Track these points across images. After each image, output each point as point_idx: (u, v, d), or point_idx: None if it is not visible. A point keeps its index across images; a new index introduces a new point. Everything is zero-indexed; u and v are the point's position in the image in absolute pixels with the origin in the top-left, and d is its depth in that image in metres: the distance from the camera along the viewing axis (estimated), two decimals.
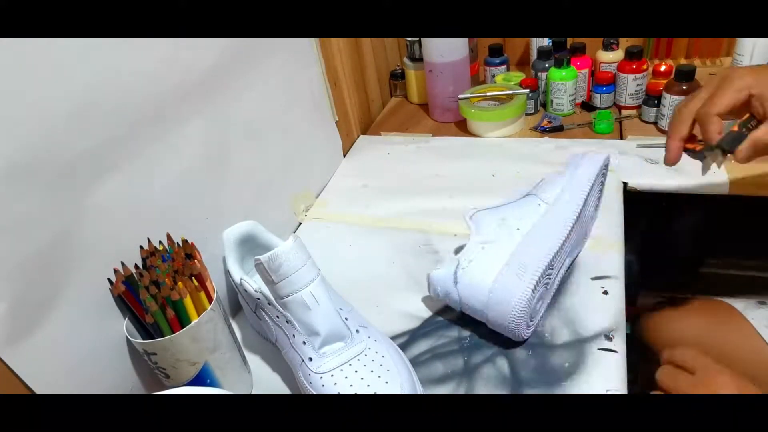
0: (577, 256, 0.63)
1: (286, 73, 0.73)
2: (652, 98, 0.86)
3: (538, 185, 0.62)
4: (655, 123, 0.87)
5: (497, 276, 0.52)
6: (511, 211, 0.59)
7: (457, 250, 0.63)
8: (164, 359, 0.46)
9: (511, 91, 0.92)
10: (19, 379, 0.40)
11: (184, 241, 0.51)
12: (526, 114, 0.96)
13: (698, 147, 0.52)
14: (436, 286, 0.56)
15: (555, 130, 0.91)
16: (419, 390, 0.49)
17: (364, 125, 1.01)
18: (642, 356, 0.68)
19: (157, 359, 0.46)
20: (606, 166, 0.64)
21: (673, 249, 1.14)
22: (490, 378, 0.52)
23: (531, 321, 0.53)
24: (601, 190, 0.65)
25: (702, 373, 0.42)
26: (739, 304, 0.61)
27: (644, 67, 0.89)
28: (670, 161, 0.52)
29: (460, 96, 0.93)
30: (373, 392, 0.46)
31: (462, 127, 0.97)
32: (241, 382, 0.54)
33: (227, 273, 0.59)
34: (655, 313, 0.77)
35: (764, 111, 0.46)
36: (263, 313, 0.52)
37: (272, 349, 0.56)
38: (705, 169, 0.53)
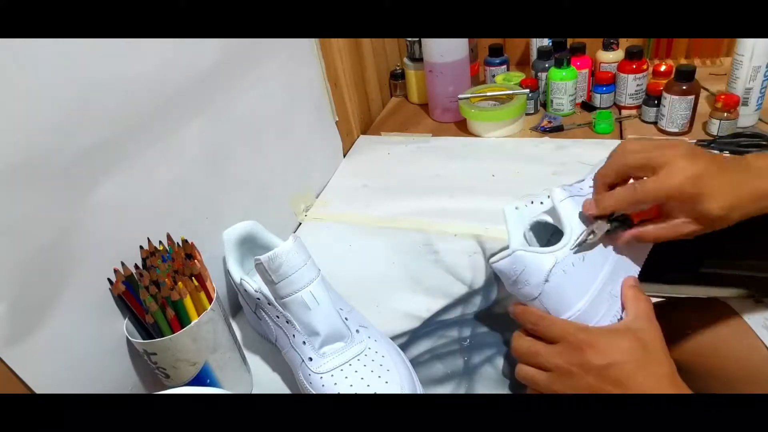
0: None
1: (286, 73, 0.73)
2: (652, 98, 0.86)
3: None
4: (655, 123, 0.87)
5: (591, 300, 0.47)
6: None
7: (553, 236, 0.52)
8: (164, 359, 0.46)
9: (511, 91, 0.92)
10: (19, 379, 0.40)
11: (184, 241, 0.51)
12: (526, 114, 0.96)
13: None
14: (517, 264, 0.46)
15: (555, 130, 0.91)
16: (419, 390, 0.49)
17: (364, 125, 1.01)
18: None
19: (157, 359, 0.46)
20: None
21: (673, 249, 1.14)
22: (490, 378, 0.52)
23: None
24: None
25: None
26: (735, 303, 0.61)
27: (644, 67, 0.89)
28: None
29: (460, 96, 0.93)
30: (373, 392, 0.46)
31: (462, 127, 0.97)
32: (241, 382, 0.54)
33: (227, 273, 0.59)
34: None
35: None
36: (263, 313, 0.52)
37: (272, 349, 0.56)
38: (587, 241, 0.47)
